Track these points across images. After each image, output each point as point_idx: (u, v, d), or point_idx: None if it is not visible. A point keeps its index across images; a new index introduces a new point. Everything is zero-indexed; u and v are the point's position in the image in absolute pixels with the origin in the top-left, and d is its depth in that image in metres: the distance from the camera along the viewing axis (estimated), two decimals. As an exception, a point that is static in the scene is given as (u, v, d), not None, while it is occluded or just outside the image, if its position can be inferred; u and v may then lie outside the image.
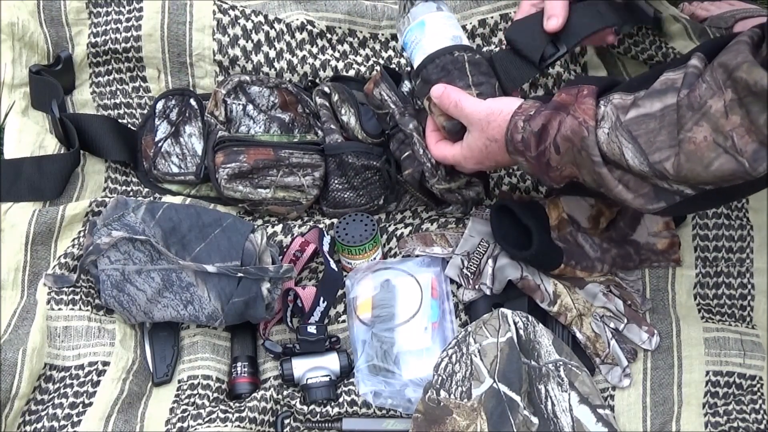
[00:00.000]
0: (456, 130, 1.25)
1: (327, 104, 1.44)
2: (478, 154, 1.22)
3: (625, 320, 1.29)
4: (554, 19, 1.24)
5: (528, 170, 1.18)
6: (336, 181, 1.40)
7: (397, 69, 1.49)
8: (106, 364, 1.26)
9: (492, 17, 1.51)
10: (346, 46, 1.54)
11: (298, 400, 1.24)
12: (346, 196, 1.41)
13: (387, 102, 1.34)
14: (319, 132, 1.43)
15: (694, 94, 0.99)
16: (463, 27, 1.47)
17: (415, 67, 1.28)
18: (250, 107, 1.43)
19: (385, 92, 1.34)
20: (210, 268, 1.25)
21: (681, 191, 1.04)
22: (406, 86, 1.36)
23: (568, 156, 1.10)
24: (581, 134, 1.07)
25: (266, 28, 1.50)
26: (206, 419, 1.21)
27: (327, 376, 1.25)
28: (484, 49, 1.50)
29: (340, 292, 1.35)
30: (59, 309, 1.28)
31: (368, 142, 1.39)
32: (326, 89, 1.43)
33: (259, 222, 1.42)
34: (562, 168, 1.12)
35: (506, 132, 1.15)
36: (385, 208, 1.43)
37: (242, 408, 1.22)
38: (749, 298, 1.34)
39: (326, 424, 1.23)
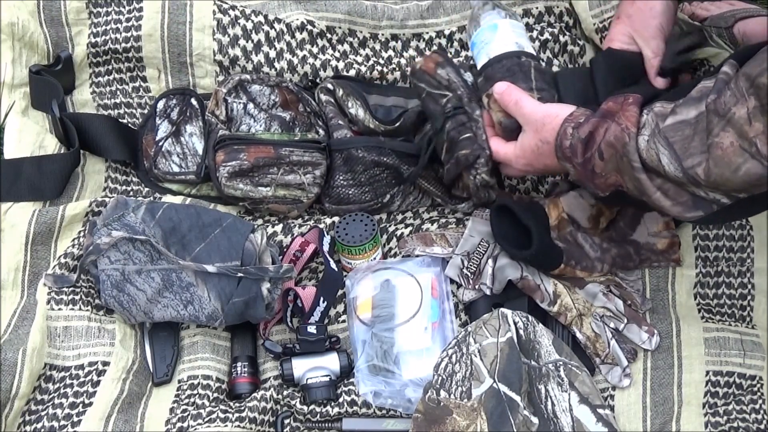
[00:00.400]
0: (512, 128, 1.27)
1: (332, 100, 1.44)
2: (530, 154, 1.24)
3: (625, 320, 1.29)
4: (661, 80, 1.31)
5: (575, 177, 1.21)
6: (341, 177, 1.40)
7: (396, 69, 1.49)
8: (106, 364, 1.26)
9: (537, 7, 1.54)
10: (346, 46, 1.54)
11: (298, 400, 1.24)
12: (350, 192, 1.40)
13: (456, 84, 1.33)
14: (320, 130, 1.43)
15: (720, 100, 1.02)
16: None
17: (479, 65, 1.32)
18: (250, 106, 1.43)
19: (452, 74, 1.34)
20: (210, 268, 1.25)
21: (717, 200, 1.06)
22: (469, 77, 1.36)
23: (611, 163, 1.13)
24: (623, 140, 1.10)
25: (266, 28, 1.50)
26: (206, 419, 1.21)
27: (327, 376, 1.25)
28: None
29: (340, 292, 1.35)
30: (59, 309, 1.28)
31: (380, 131, 1.39)
32: (330, 86, 1.44)
33: (259, 222, 1.42)
34: (606, 175, 1.15)
35: (556, 137, 1.18)
36: (389, 206, 1.43)
37: (242, 408, 1.22)
38: (749, 297, 1.34)
39: (326, 424, 1.23)
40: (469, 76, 1.35)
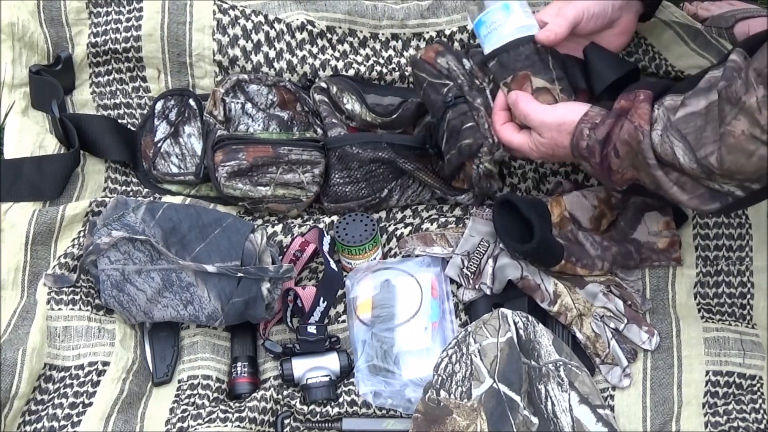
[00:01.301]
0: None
1: (326, 99, 1.43)
2: (545, 152, 1.25)
3: (625, 320, 1.29)
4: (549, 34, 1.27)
5: (592, 173, 1.22)
6: (337, 176, 1.40)
7: (396, 69, 1.49)
8: (106, 364, 1.26)
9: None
10: (346, 46, 1.54)
11: (298, 400, 1.24)
12: (347, 189, 1.40)
13: (456, 72, 1.32)
14: (319, 130, 1.43)
15: (731, 89, 1.03)
16: None
17: (488, 48, 1.29)
18: (248, 106, 1.43)
19: (453, 63, 1.33)
20: (210, 268, 1.25)
21: (731, 192, 1.08)
22: (467, 64, 1.34)
23: (627, 159, 1.14)
24: (638, 138, 1.11)
25: (266, 28, 1.50)
26: (206, 419, 1.21)
27: (327, 376, 1.25)
28: None
29: (340, 292, 1.35)
30: (59, 309, 1.28)
31: (378, 123, 1.38)
32: (323, 84, 1.43)
33: (259, 222, 1.42)
34: (623, 171, 1.16)
35: (572, 139, 1.19)
36: (387, 201, 1.43)
37: (242, 408, 1.22)
38: (749, 297, 1.34)
39: (326, 424, 1.23)
40: (466, 64, 1.33)
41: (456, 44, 1.53)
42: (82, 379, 1.24)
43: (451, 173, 1.38)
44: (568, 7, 1.27)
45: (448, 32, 1.54)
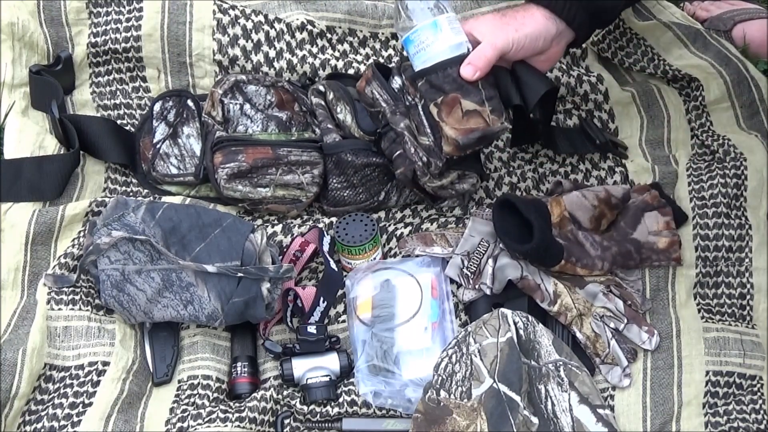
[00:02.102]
0: (470, 145, 1.28)
1: (323, 103, 1.44)
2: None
3: (625, 320, 1.29)
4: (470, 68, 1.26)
5: None
6: (335, 180, 1.40)
7: (387, 64, 1.49)
8: (106, 364, 1.26)
9: None
10: (346, 46, 1.54)
11: (298, 400, 1.24)
12: (345, 194, 1.41)
13: (378, 101, 1.33)
14: (317, 130, 1.43)
15: None
16: None
17: (417, 66, 1.28)
18: (247, 106, 1.42)
19: (376, 90, 1.34)
20: (210, 268, 1.25)
21: None
22: (397, 82, 1.34)
23: None
24: None
25: (266, 27, 1.50)
26: (206, 419, 1.21)
27: (327, 376, 1.25)
28: None
29: (340, 292, 1.35)
30: (59, 309, 1.28)
31: (365, 140, 1.39)
32: (321, 88, 1.43)
33: (259, 222, 1.42)
34: None
35: None
36: (386, 203, 1.43)
37: (242, 408, 1.22)
38: (749, 297, 1.34)
39: (326, 424, 1.23)
40: (397, 81, 1.33)
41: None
42: (82, 379, 1.24)
43: (418, 189, 1.39)
44: (499, 37, 1.25)
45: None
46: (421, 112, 1.31)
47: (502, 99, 1.28)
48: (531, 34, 1.26)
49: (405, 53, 1.31)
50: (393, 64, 1.43)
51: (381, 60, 1.52)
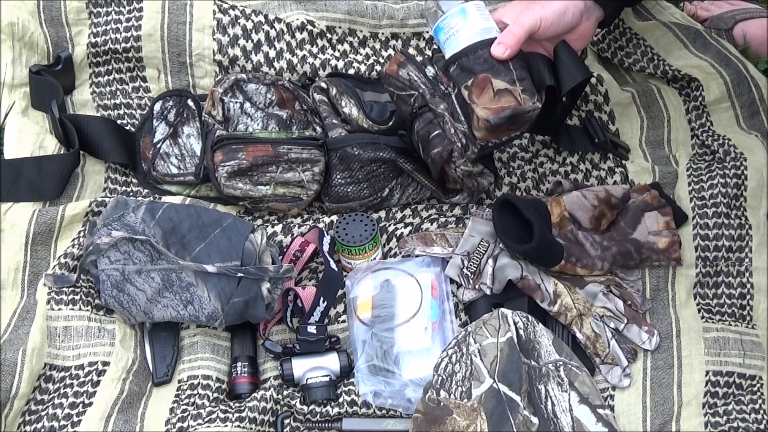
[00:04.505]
0: (500, 124, 1.26)
1: (326, 99, 1.43)
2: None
3: (625, 320, 1.29)
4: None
5: None
6: (338, 176, 1.40)
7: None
8: (106, 364, 1.26)
9: None
10: (347, 46, 1.54)
11: (298, 400, 1.24)
12: (349, 190, 1.40)
13: (417, 82, 1.32)
14: (318, 128, 1.43)
15: None
16: None
17: (448, 53, 1.29)
18: (247, 105, 1.43)
19: (413, 73, 1.33)
20: (210, 268, 1.25)
21: None
22: (430, 71, 1.34)
23: None
24: None
25: (266, 27, 1.50)
26: (206, 419, 1.21)
27: (327, 376, 1.25)
28: None
29: (340, 292, 1.35)
30: (59, 309, 1.28)
31: (374, 130, 1.39)
32: (323, 84, 1.43)
33: (259, 222, 1.42)
34: None
35: None
36: (389, 200, 1.43)
37: (242, 408, 1.22)
38: (748, 297, 1.34)
39: (326, 424, 1.23)
40: (430, 71, 1.33)
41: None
42: (82, 379, 1.24)
43: (438, 177, 1.38)
44: (526, 15, 1.26)
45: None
46: (455, 101, 1.30)
47: (534, 82, 1.28)
48: (558, 9, 1.27)
49: (437, 44, 1.32)
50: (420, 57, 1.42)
51: (381, 60, 1.52)
